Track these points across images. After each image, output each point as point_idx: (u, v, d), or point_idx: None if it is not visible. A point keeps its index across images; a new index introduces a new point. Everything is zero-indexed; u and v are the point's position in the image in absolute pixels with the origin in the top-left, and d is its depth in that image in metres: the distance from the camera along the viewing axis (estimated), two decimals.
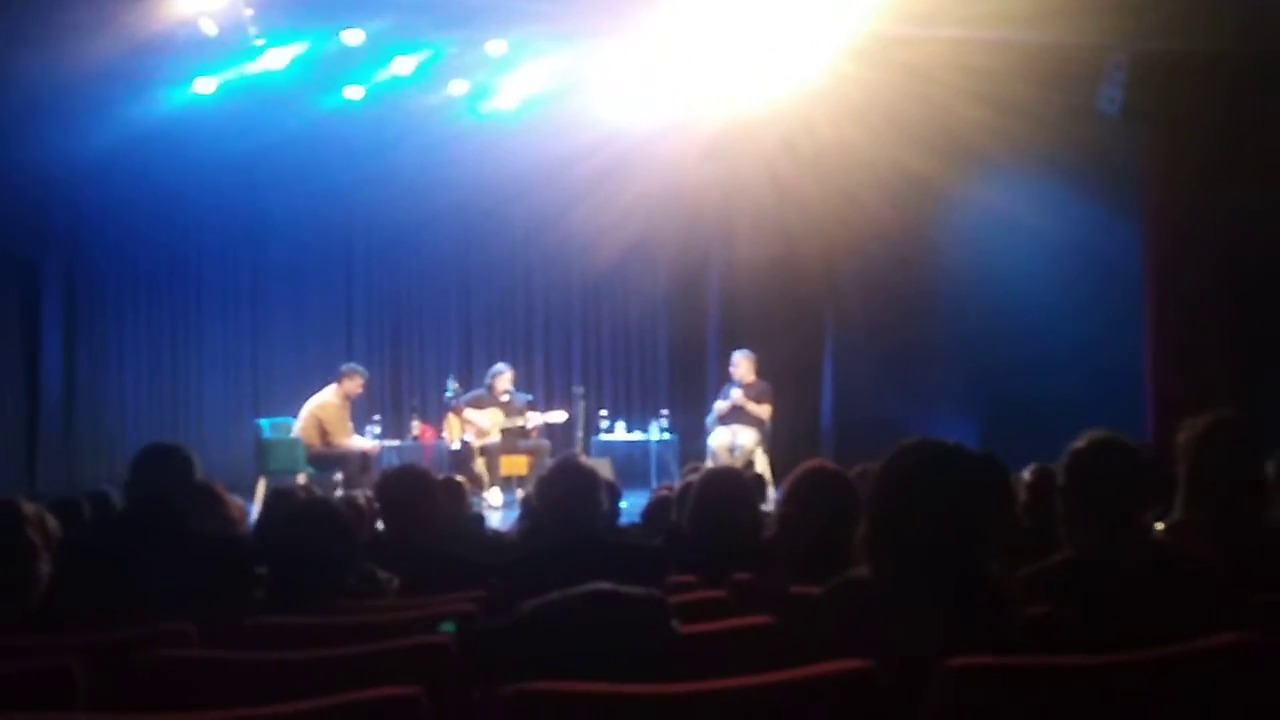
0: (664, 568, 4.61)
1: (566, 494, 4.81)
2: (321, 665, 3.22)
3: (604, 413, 14.67)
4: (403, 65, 12.34)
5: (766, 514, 5.61)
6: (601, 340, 16.33)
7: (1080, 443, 3.59)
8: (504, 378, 13.35)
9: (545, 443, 13.33)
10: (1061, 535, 3.60)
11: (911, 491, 3.07)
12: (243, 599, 4.32)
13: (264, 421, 12.88)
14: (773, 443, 13.06)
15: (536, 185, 14.26)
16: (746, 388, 13.01)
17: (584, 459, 5.09)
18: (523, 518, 7.61)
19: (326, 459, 12.24)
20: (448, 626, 3.76)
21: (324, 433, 12.29)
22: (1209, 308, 10.41)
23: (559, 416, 13.61)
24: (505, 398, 13.29)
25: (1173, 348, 10.61)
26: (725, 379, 13.46)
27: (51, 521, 4.31)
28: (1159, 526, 3.89)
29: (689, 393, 15.40)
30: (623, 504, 7.92)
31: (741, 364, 13.14)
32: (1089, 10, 9.68)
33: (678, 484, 8.30)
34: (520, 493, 11.67)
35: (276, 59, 11.94)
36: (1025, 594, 3.27)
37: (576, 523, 4.74)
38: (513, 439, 13.16)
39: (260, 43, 11.71)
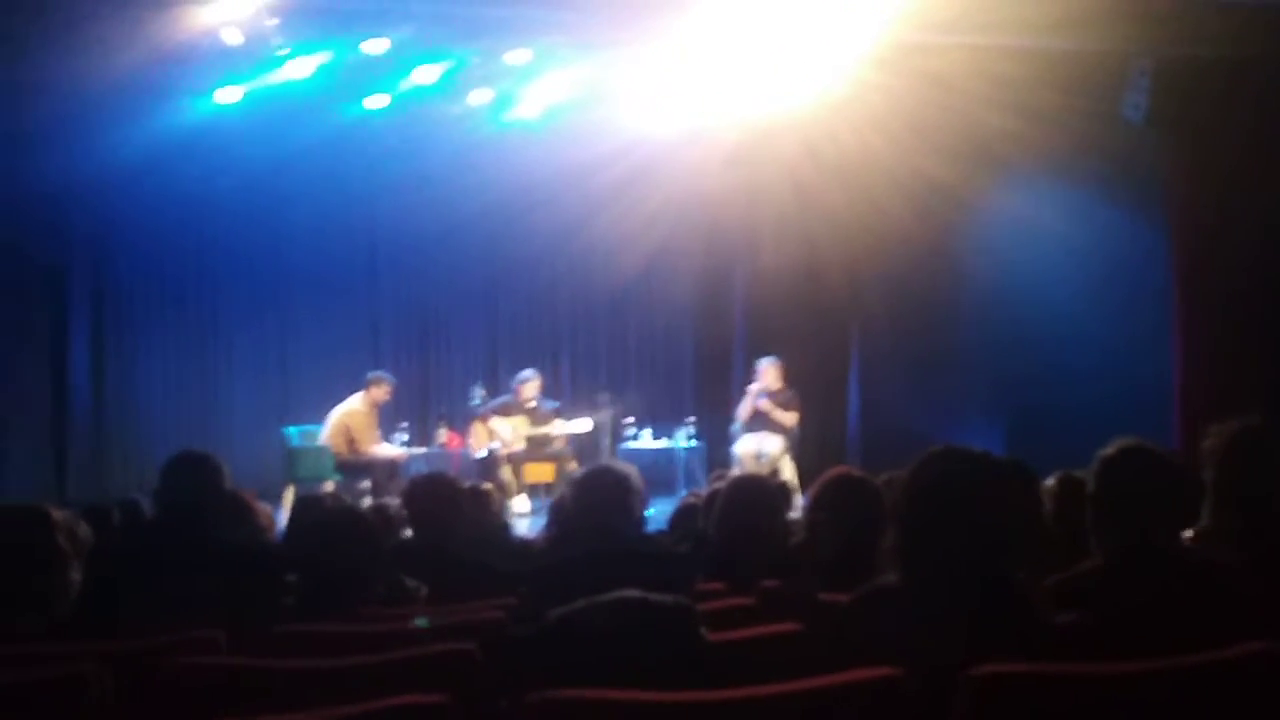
0: (692, 575, 4.62)
1: (601, 498, 4.80)
2: (350, 673, 3.23)
3: (630, 420, 14.65)
4: (426, 75, 12.35)
5: (794, 521, 5.60)
6: (627, 348, 16.33)
7: (1110, 450, 3.59)
8: (530, 385, 13.34)
9: (570, 450, 13.30)
10: (1091, 543, 3.59)
11: (940, 499, 3.07)
12: (271, 606, 4.34)
13: (292, 429, 12.92)
14: (799, 450, 13.04)
15: (560, 194, 14.28)
16: (773, 395, 12.98)
17: (621, 464, 5.07)
18: (550, 525, 7.62)
19: (354, 466, 12.28)
20: (421, 622, 3.79)
21: (351, 440, 12.32)
22: (1237, 314, 10.37)
23: (584, 425, 13.54)
24: (531, 405, 13.28)
25: (1201, 355, 10.57)
26: None
27: (83, 529, 4.34)
28: (1187, 534, 3.87)
29: (715, 400, 15.38)
30: (649, 512, 7.91)
31: (769, 371, 13.10)
32: (1113, 17, 9.66)
33: (705, 491, 8.29)
34: (547, 500, 11.67)
35: (300, 68, 11.95)
36: (1054, 601, 3.27)
37: (608, 528, 4.73)
38: (538, 447, 13.16)
39: (284, 52, 11.71)
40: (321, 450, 12.33)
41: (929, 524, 3.07)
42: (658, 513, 8.99)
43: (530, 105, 13.08)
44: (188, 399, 14.80)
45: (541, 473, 13.16)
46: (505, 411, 13.25)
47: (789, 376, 13.22)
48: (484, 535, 6.51)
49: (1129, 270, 11.20)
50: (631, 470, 4.95)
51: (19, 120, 11.78)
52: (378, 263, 15.59)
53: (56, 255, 13.79)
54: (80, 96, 11.50)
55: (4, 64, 10.92)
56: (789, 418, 12.92)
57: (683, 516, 7.35)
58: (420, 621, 3.85)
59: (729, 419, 13.55)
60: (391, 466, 12.32)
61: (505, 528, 7.78)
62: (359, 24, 11.39)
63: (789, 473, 12.49)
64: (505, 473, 12.83)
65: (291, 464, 12.44)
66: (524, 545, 7.34)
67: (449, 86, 12.62)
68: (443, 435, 13.86)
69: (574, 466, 13.00)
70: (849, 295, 14.54)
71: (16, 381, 13.12)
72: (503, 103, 13.14)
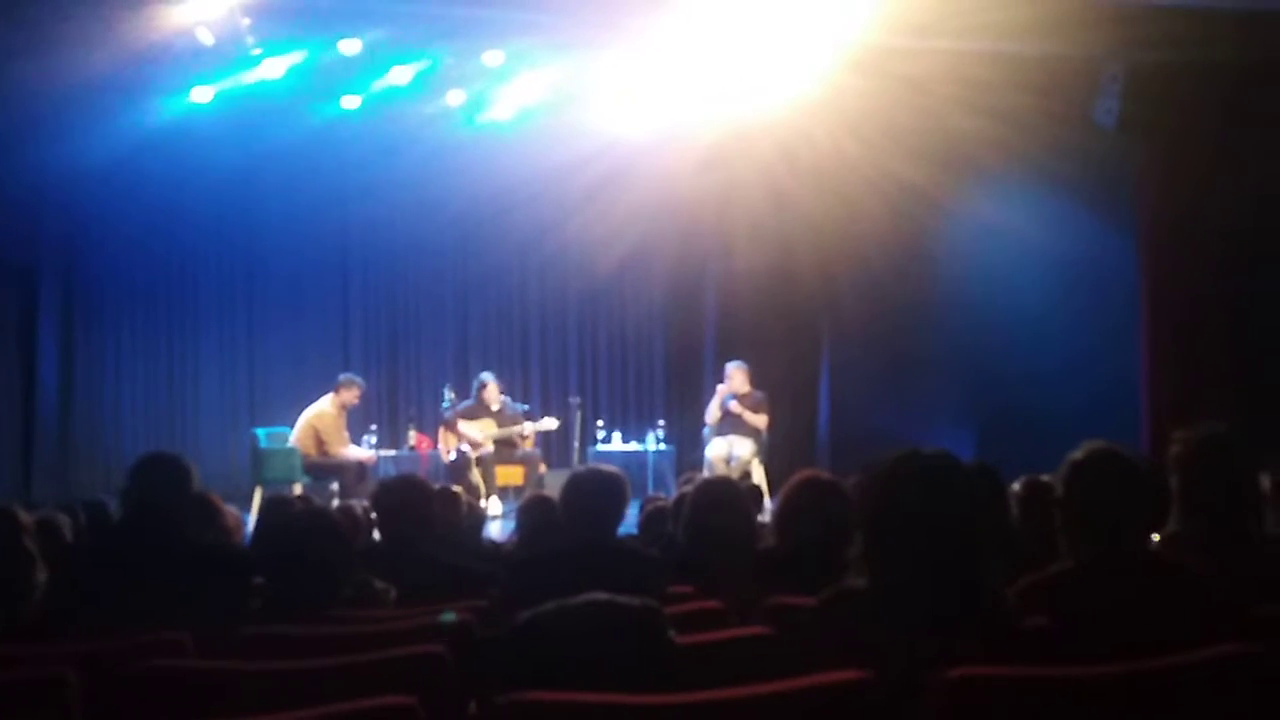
0: (663, 577, 4.62)
1: (593, 496, 4.82)
2: (318, 675, 3.22)
3: (600, 423, 14.64)
4: (400, 75, 12.33)
5: (762, 524, 5.61)
6: (598, 350, 16.30)
7: (1078, 454, 3.59)
8: (491, 387, 13.30)
9: (538, 452, 13.29)
10: (1060, 546, 3.60)
11: (903, 503, 3.07)
12: (239, 609, 4.32)
13: (260, 431, 12.86)
14: (770, 453, 13.04)
15: (533, 196, 14.25)
16: (742, 398, 12.96)
17: (612, 468, 5.09)
18: (518, 529, 7.61)
19: (323, 469, 12.23)
20: (448, 616, 3.77)
21: (320, 442, 12.28)
22: (1204, 319, 10.44)
23: (551, 424, 13.54)
24: (496, 407, 13.24)
25: (1168, 359, 10.64)
26: None
27: (64, 524, 4.30)
28: (1155, 538, 3.89)
29: (686, 403, 15.38)
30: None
31: (736, 375, 13.07)
32: (1085, 22, 9.71)
33: (672, 494, 8.28)
34: (517, 503, 11.65)
35: (273, 68, 11.91)
36: (1023, 604, 3.27)
37: (595, 527, 4.75)
38: (507, 449, 13.13)
39: (257, 52, 11.67)
40: (290, 452, 12.29)
41: (893, 528, 3.07)
42: (627, 516, 8.97)
43: (503, 107, 13.07)
44: (156, 400, 14.75)
45: (511, 475, 13.12)
46: (471, 415, 13.21)
47: (757, 379, 13.21)
48: (454, 537, 6.50)
49: (1098, 273, 11.27)
50: (623, 474, 4.98)
51: None
52: (348, 264, 15.55)
53: (26, 255, 13.71)
54: (51, 96, 11.44)
55: None
56: (760, 420, 12.91)
57: (651, 520, 7.34)
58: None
59: (699, 422, 13.53)
60: (360, 469, 12.27)
61: (475, 530, 7.75)
62: (333, 24, 11.37)
63: (759, 476, 12.49)
64: (475, 475, 12.79)
65: (259, 466, 12.39)
66: (494, 547, 7.34)
67: (422, 87, 12.60)
68: (412, 438, 13.83)
69: (544, 469, 13.01)
70: (821, 298, 14.56)
71: None
72: (476, 104, 13.13)
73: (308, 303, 15.23)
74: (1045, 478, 5.10)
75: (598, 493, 4.85)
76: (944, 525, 3.02)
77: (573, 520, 4.88)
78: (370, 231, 15.24)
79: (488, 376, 13.45)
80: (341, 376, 12.86)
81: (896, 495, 3.09)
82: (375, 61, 12.10)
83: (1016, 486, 5.27)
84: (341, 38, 11.52)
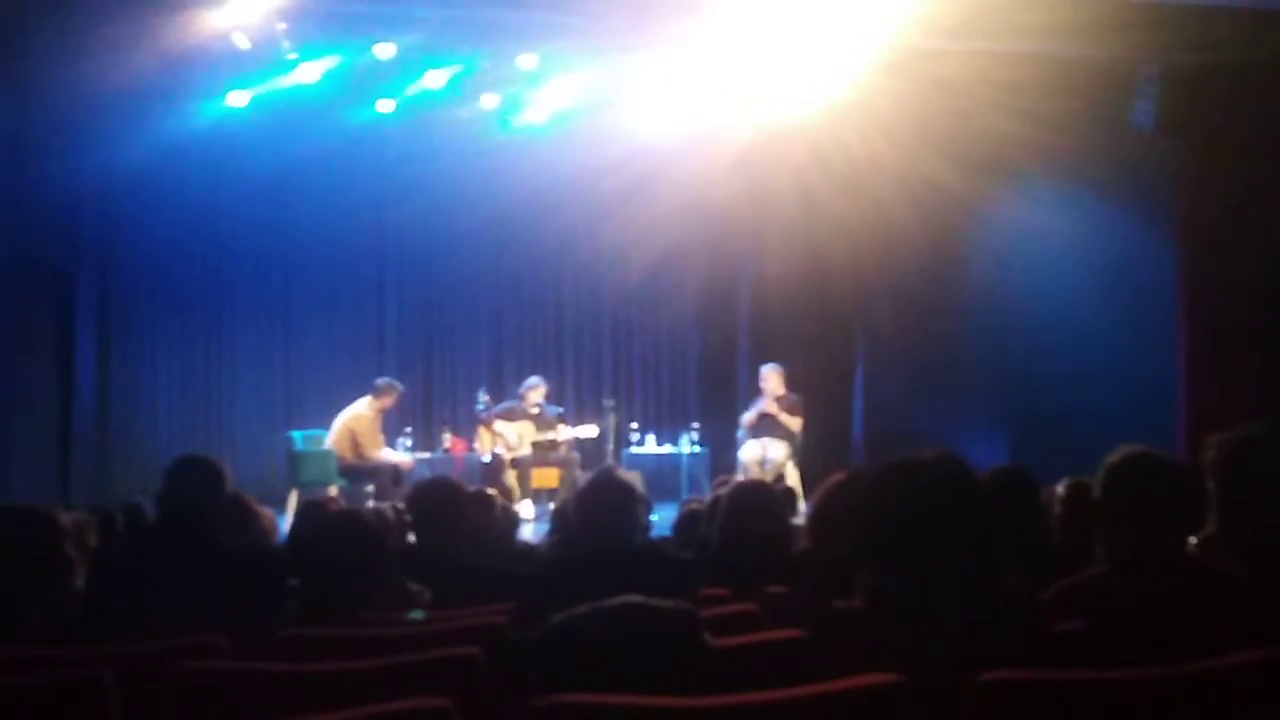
0: (697, 580, 4.61)
1: (603, 506, 4.81)
2: (352, 677, 3.23)
3: (634, 426, 14.65)
4: (434, 79, 12.39)
5: (797, 527, 5.60)
6: (632, 353, 16.32)
7: (1116, 457, 3.55)
8: (536, 391, 13.35)
9: (576, 455, 13.31)
10: (1097, 549, 3.58)
11: (904, 515, 3.03)
12: (274, 611, 4.33)
13: (296, 434, 12.92)
14: (803, 456, 13.02)
15: (567, 199, 14.26)
16: (777, 400, 12.97)
17: (622, 472, 5.08)
18: (552, 532, 7.61)
19: (358, 471, 12.27)
20: (416, 614, 3.78)
21: (356, 445, 12.32)
22: (1243, 322, 10.36)
23: (590, 431, 13.56)
24: (535, 410, 13.28)
25: (1206, 362, 10.56)
26: (756, 393, 13.39)
27: (92, 527, 4.32)
28: (1192, 541, 3.86)
29: (719, 406, 15.36)
30: (653, 517, 7.90)
31: (770, 378, 13.09)
32: (1121, 24, 9.65)
33: (707, 497, 8.27)
34: (551, 505, 11.66)
35: (309, 73, 11.99)
36: (1059, 608, 3.25)
37: (611, 535, 4.73)
38: (544, 452, 13.15)
39: (293, 56, 11.75)
40: (326, 455, 12.34)
41: (898, 541, 3.03)
42: (661, 518, 8.99)
43: (537, 110, 13.10)
44: (193, 403, 14.84)
45: (547, 478, 13.15)
46: (510, 416, 13.25)
47: (794, 382, 13.21)
48: (488, 540, 6.50)
49: (1135, 276, 11.20)
50: (634, 478, 4.97)
51: (29, 124, 11.78)
52: (384, 267, 15.61)
53: (64, 259, 13.77)
54: (88, 101, 11.51)
55: (13, 68, 10.95)
56: (794, 422, 12.91)
57: (685, 522, 7.34)
58: (416, 614, 3.85)
59: (733, 425, 13.54)
60: (396, 472, 12.31)
61: (509, 532, 7.76)
62: (367, 29, 11.42)
63: (793, 478, 12.48)
64: (510, 478, 12.82)
65: (295, 468, 12.45)
66: (528, 550, 7.34)
67: (457, 91, 12.64)
68: (447, 440, 13.86)
69: (579, 472, 13.00)
70: (854, 301, 14.53)
71: (22, 384, 13.08)
72: (510, 108, 13.16)
73: (343, 306, 15.30)
74: (1088, 479, 5.07)
75: (607, 505, 4.82)
76: (952, 531, 2.99)
77: (589, 532, 4.87)
78: (405, 235, 15.29)
79: (537, 380, 13.51)
80: (380, 381, 12.89)
81: (896, 508, 3.06)
82: (410, 65, 12.16)
83: (1060, 489, 5.24)
84: (376, 42, 11.58)
